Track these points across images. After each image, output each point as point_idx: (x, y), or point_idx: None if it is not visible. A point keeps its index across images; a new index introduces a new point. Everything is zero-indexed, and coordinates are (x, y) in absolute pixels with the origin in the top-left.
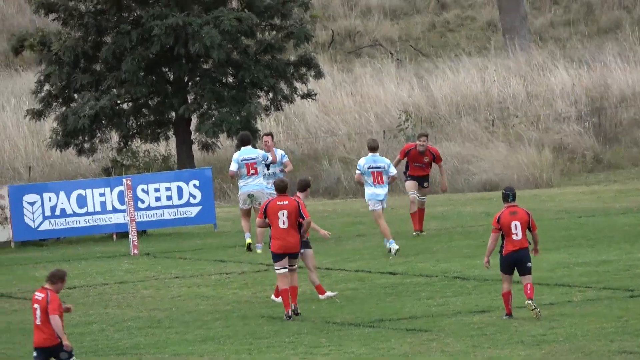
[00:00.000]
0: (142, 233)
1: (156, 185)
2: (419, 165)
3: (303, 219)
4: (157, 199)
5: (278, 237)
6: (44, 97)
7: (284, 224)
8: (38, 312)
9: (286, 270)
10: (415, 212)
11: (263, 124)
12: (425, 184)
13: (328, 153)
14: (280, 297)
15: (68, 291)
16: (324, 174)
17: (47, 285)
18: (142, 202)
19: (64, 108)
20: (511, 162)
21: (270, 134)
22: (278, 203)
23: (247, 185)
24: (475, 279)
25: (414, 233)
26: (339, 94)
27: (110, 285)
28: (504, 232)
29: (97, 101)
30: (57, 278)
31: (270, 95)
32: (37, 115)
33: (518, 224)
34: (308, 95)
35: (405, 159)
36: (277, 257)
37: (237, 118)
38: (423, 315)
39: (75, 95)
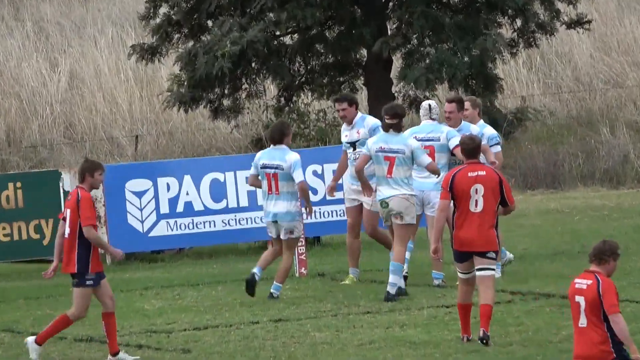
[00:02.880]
0: (313, 241)
1: (336, 166)
2: None
3: (507, 205)
4: (339, 187)
5: (461, 226)
6: (159, 26)
7: (476, 206)
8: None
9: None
10: None
11: (505, 68)
12: None
13: (609, 115)
14: None
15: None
16: (603, 149)
17: (596, 268)
18: (315, 192)
19: (190, 43)
20: None
21: (454, 100)
22: (470, 174)
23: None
24: None
25: None
26: (626, 21)
27: (263, 323)
28: None
29: (243, 32)
30: None
31: (518, 22)
32: (149, 54)
33: None
34: (578, 22)
35: None
36: (459, 255)
37: (466, 59)
38: None
39: (209, 23)
